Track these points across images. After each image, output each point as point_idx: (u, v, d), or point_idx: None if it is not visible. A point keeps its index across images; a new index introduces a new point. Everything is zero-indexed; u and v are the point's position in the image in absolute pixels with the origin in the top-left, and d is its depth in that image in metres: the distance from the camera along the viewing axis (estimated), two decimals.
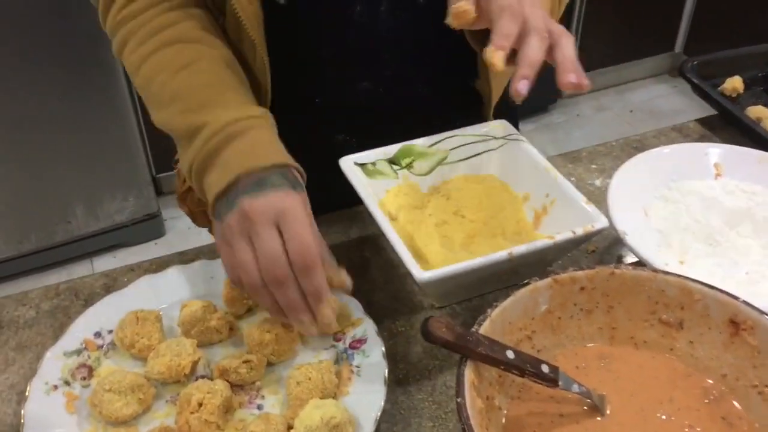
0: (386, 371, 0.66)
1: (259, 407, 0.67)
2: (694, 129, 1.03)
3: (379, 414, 0.63)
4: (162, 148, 2.39)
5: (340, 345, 0.71)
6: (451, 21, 0.66)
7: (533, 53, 0.62)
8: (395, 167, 0.82)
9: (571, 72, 0.62)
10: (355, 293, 0.71)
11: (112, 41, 0.79)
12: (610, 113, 3.06)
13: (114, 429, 0.65)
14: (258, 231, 0.63)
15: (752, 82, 1.09)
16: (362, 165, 0.80)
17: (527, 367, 0.59)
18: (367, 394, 0.65)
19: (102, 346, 0.71)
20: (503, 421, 0.61)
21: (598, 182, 0.93)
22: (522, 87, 0.62)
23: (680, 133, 1.02)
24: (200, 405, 0.63)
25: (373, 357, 0.68)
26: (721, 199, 0.82)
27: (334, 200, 0.85)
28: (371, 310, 0.73)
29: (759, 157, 0.84)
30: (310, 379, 0.65)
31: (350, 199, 0.77)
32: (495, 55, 0.63)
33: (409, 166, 0.83)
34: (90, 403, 0.65)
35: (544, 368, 0.59)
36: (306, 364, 0.67)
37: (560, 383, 0.60)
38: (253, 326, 0.70)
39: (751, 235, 0.80)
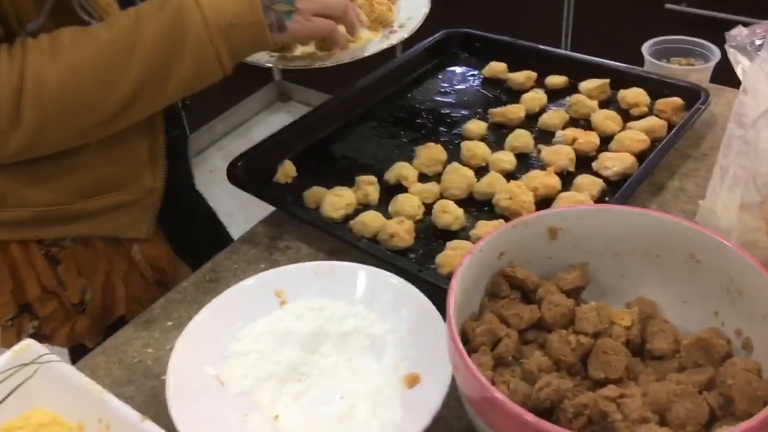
0: None
1: None
2: (264, 233, 0.98)
3: None
4: None
5: None
6: None
7: None
8: None
9: None
10: None
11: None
12: None
13: None
14: None
15: (301, 160, 1.07)
16: None
17: None
18: None
19: None
20: None
21: None
22: None
23: (251, 244, 0.96)
24: None
25: None
26: (294, 327, 0.77)
27: None
28: None
29: (314, 270, 0.81)
30: None
31: None
32: None
33: None
34: None
35: None
36: None
37: None
38: None
39: (335, 353, 0.76)
